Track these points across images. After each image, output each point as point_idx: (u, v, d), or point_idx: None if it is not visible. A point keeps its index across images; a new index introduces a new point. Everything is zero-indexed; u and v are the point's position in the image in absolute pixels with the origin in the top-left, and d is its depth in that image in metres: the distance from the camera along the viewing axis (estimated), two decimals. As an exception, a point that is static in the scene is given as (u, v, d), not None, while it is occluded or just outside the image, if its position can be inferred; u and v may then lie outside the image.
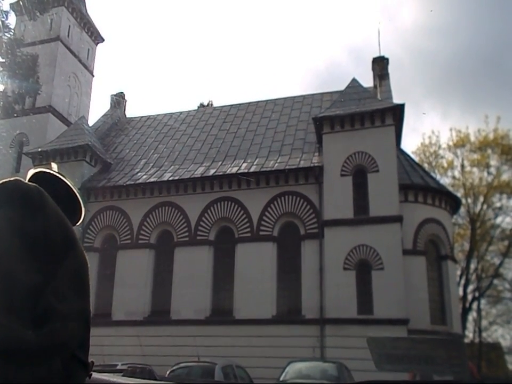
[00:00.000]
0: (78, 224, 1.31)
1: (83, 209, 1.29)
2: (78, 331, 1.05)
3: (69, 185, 1.27)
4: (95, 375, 1.14)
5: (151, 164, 23.43)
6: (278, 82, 75.50)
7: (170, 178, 21.43)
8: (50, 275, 1.01)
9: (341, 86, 22.48)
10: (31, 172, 1.25)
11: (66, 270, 1.06)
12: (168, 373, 11.69)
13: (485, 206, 31.40)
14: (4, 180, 1.09)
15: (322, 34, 74.73)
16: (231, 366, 13.37)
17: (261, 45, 78.95)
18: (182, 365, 12.74)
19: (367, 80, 24.57)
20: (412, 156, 26.38)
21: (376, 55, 25.15)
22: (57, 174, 1.26)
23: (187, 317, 18.55)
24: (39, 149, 23.20)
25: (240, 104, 27.19)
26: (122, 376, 1.51)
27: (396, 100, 21.45)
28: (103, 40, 32.57)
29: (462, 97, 60.88)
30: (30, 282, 0.97)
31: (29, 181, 1.18)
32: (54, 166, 1.31)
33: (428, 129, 69.72)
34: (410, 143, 64.85)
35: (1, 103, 17.25)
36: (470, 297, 31.00)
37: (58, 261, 1.04)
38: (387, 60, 24.39)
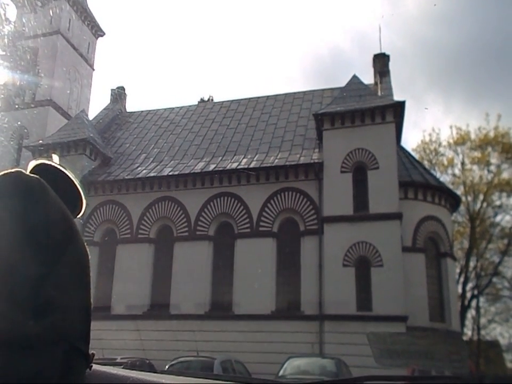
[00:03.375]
0: (79, 216, 1.30)
1: (84, 201, 1.29)
2: (78, 322, 1.05)
3: (70, 177, 1.27)
4: (95, 367, 1.14)
5: (151, 159, 23.42)
6: (279, 71, 75.43)
7: (170, 173, 21.43)
8: (51, 266, 1.01)
9: (343, 74, 22.54)
10: (32, 164, 1.24)
11: (67, 262, 1.06)
12: (167, 367, 11.71)
13: (484, 204, 31.42)
14: (5, 171, 1.08)
15: (325, 20, 74.32)
16: (230, 361, 13.43)
17: (262, 35, 78.75)
18: (181, 359, 12.79)
19: (370, 67, 24.70)
20: (412, 153, 26.40)
21: (377, 51, 25.20)
22: (59, 166, 1.26)
23: (186, 312, 18.59)
24: (39, 142, 23.20)
25: (240, 99, 27.17)
26: (122, 368, 1.51)
27: (397, 93, 21.64)
28: (104, 34, 32.51)
29: (465, 90, 60.70)
30: (31, 274, 0.97)
31: (30, 172, 1.18)
32: (55, 157, 1.31)
33: (429, 123, 69.51)
34: (411, 139, 64.77)
35: (2, 96, 17.23)
36: (469, 295, 31.07)
37: (59, 253, 1.04)
38: (388, 56, 24.37)
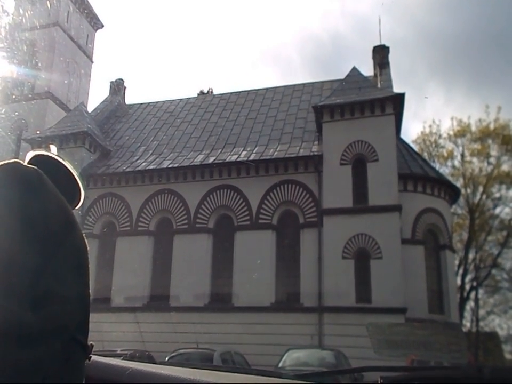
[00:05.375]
0: (77, 207, 1.30)
1: (82, 192, 1.28)
2: (77, 313, 1.05)
3: (68, 168, 1.26)
4: (94, 357, 1.13)
5: (151, 151, 23.39)
6: (279, 60, 75.08)
7: (170, 166, 21.41)
8: (50, 257, 1.01)
9: (344, 59, 22.51)
10: (30, 154, 1.24)
11: (65, 253, 1.05)
12: (167, 359, 11.74)
13: (484, 196, 31.44)
14: (3, 162, 1.08)
15: (325, 4, 73.75)
16: (229, 353, 13.47)
17: (261, 22, 78.27)
18: (180, 351, 12.83)
19: (370, 55, 24.67)
20: (412, 145, 26.43)
21: (377, 38, 25.29)
22: (57, 157, 1.25)
23: (186, 304, 18.63)
24: (38, 134, 23.15)
25: (240, 91, 27.11)
26: (122, 360, 1.51)
27: (398, 83, 21.59)
28: (102, 26, 32.36)
29: (466, 79, 60.26)
30: (29, 265, 0.96)
31: (28, 163, 1.17)
32: (53, 148, 1.30)
33: (430, 114, 68.94)
34: (411, 130, 64.35)
35: (0, 88, 17.16)
36: (468, 286, 31.17)
37: (57, 243, 1.04)
38: (387, 48, 24.29)
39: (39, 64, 20.59)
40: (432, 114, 68.95)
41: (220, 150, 21.78)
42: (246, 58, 78.28)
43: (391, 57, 23.84)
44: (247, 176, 20.27)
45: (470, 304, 31.72)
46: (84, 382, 1.04)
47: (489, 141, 31.75)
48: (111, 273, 20.29)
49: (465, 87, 58.82)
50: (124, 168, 22.15)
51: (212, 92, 36.75)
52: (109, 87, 30.04)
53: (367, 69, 23.87)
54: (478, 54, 58.37)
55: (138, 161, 22.64)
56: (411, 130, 63.28)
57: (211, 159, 21.12)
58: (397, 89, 20.43)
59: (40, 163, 1.17)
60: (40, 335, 0.93)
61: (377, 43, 24.66)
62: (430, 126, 34.81)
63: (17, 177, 1.05)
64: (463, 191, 29.07)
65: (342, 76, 22.20)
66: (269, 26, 77.49)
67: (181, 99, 28.28)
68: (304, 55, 76.71)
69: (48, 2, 26.19)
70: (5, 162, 1.07)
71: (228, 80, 75.47)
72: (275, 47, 77.39)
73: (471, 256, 31.25)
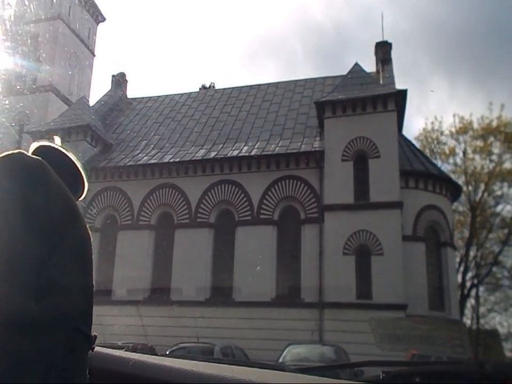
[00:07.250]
0: (81, 198, 1.29)
1: (86, 183, 1.28)
2: (80, 304, 1.04)
3: (72, 159, 1.25)
4: (98, 348, 1.13)
5: (152, 145, 23.39)
6: (283, 51, 74.81)
7: (171, 160, 21.41)
8: (53, 248, 1.00)
9: (347, 50, 22.47)
10: (34, 145, 1.23)
11: (69, 243, 1.05)
12: (167, 353, 11.76)
13: (485, 194, 31.40)
14: (7, 153, 1.07)
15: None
16: (230, 347, 13.52)
17: (264, 12, 77.89)
18: (181, 345, 12.87)
19: (373, 45, 24.62)
20: (414, 141, 26.38)
21: (380, 29, 25.28)
22: (60, 148, 1.25)
23: (187, 298, 18.67)
24: (40, 127, 23.14)
25: (242, 86, 27.07)
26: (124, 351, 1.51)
27: (401, 77, 21.55)
28: (104, 19, 32.30)
29: (470, 72, 59.82)
30: (32, 255, 0.96)
31: (32, 154, 1.16)
32: (57, 140, 1.29)
33: (432, 108, 68.09)
34: (414, 125, 63.96)
35: (3, 79, 17.14)
36: (468, 284, 31.16)
37: (61, 234, 1.03)
38: (390, 44, 24.26)
39: (42, 57, 20.58)
40: (435, 109, 68.34)
41: (221, 145, 21.76)
42: (249, 50, 78.09)
43: (394, 51, 23.89)
44: (249, 172, 20.26)
45: (471, 302, 31.74)
46: (87, 373, 1.04)
47: (492, 139, 31.68)
48: (112, 266, 20.31)
49: (469, 82, 58.57)
50: (126, 162, 22.16)
51: (213, 87, 36.72)
52: (111, 80, 30.04)
53: (370, 64, 23.85)
54: (483, 48, 58.03)
55: (140, 155, 22.64)
56: (413, 127, 63.14)
57: (212, 154, 21.11)
58: (399, 83, 20.46)
59: (44, 154, 1.17)
60: (43, 325, 0.93)
61: (380, 36, 24.67)
62: (432, 123, 34.79)
63: (21, 168, 1.05)
64: (464, 188, 29.05)
65: (345, 71, 22.17)
66: (272, 15, 77.20)
67: (182, 93, 28.25)
68: (307, 45, 76.44)
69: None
70: (9, 152, 1.07)
71: (230, 74, 75.38)
72: (278, 38, 77.13)
73: (472, 253, 31.26)
